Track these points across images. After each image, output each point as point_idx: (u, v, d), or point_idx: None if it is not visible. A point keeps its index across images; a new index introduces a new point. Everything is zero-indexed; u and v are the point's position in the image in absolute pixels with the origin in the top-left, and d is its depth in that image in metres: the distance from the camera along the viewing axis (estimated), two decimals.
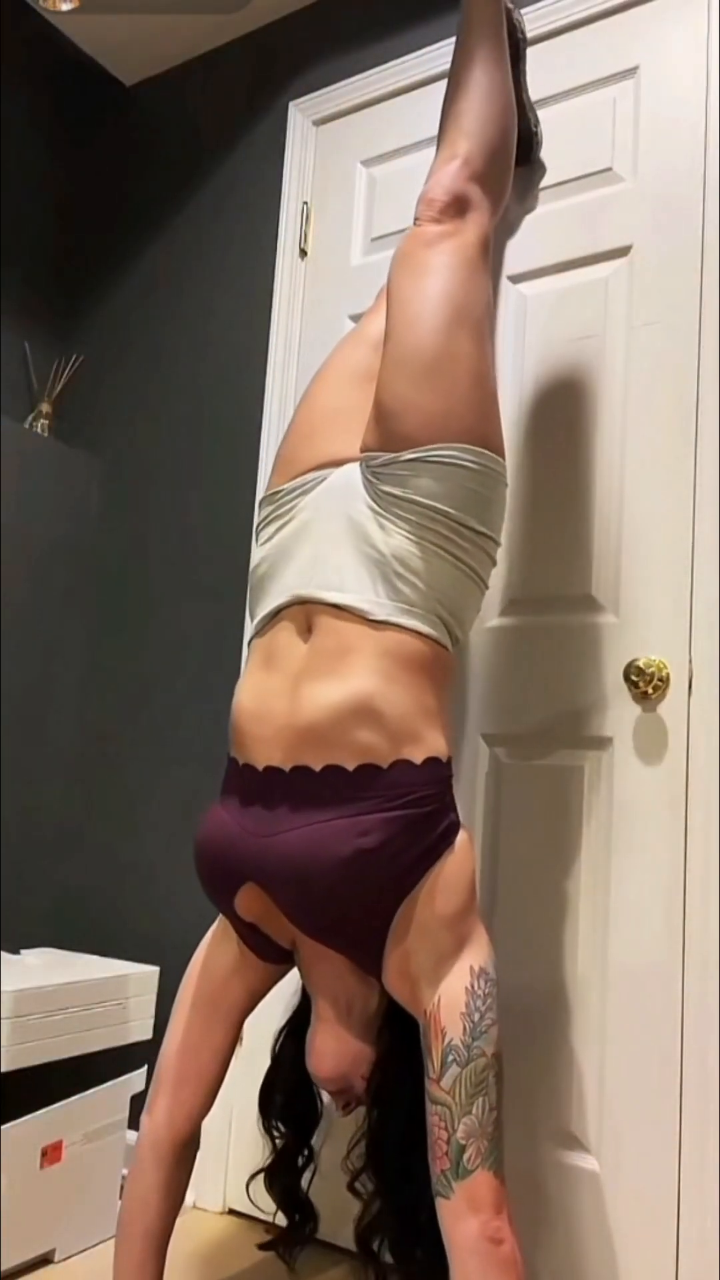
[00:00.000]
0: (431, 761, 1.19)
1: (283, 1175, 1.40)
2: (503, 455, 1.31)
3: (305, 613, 1.28)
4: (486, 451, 1.27)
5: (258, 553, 1.39)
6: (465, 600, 1.29)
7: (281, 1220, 1.46)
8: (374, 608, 1.22)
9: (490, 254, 1.42)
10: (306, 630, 1.27)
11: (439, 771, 1.20)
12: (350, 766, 1.17)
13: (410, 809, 1.16)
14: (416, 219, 1.38)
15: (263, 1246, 1.48)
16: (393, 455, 1.26)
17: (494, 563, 1.33)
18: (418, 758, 1.19)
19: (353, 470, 1.32)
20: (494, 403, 1.32)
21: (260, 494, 1.96)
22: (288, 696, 1.24)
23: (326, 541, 1.29)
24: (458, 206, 1.37)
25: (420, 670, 1.22)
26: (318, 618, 1.26)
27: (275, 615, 1.31)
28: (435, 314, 1.29)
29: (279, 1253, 1.46)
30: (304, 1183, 1.42)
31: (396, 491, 1.25)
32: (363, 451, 1.32)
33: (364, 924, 1.18)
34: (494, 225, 1.44)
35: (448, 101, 1.48)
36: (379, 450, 1.28)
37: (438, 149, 1.45)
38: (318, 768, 1.19)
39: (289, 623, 1.29)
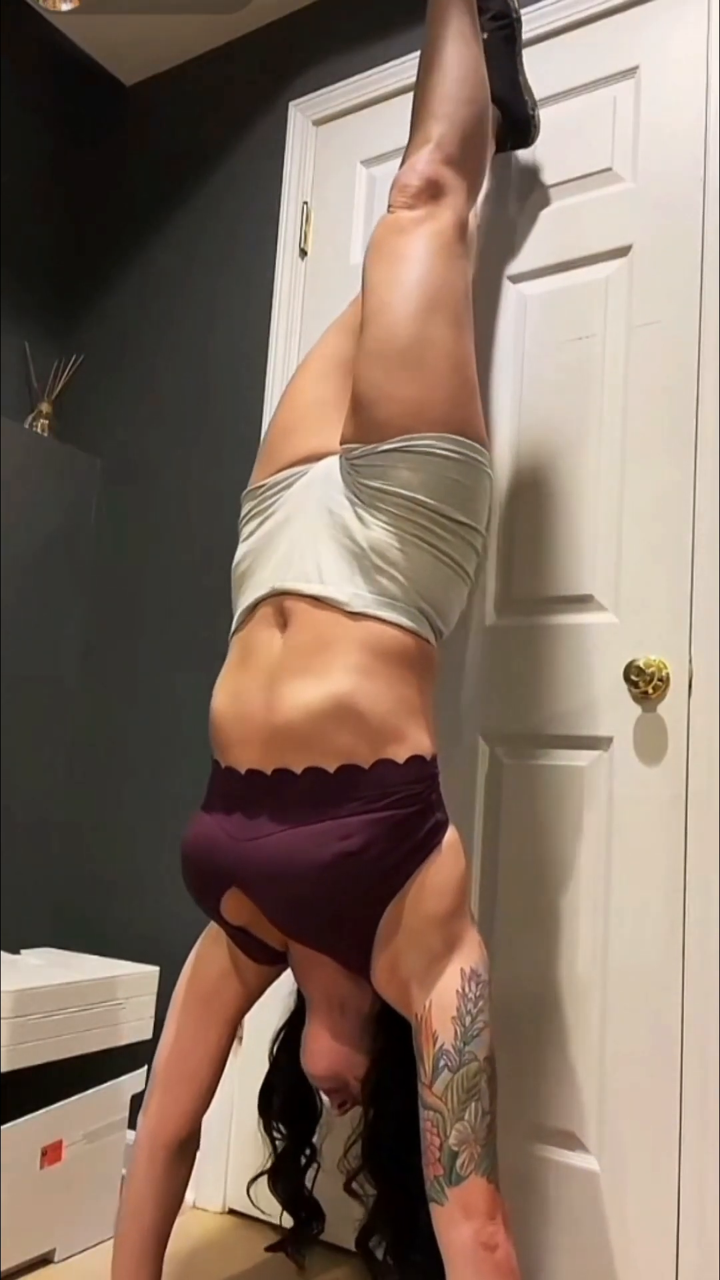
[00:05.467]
0: (415, 760, 1.17)
1: (285, 1176, 1.39)
2: (484, 443, 1.29)
3: (282, 606, 1.26)
4: (466, 439, 1.25)
5: (239, 549, 1.38)
6: (447, 593, 1.26)
7: (282, 1220, 1.46)
8: (352, 599, 1.20)
9: (467, 239, 1.38)
10: (283, 624, 1.25)
11: (423, 770, 1.18)
12: (331, 768, 1.16)
13: (393, 810, 1.14)
14: (390, 205, 1.36)
15: (271, 1248, 1.47)
16: (370, 446, 1.24)
17: (479, 554, 1.31)
18: (400, 756, 1.17)
19: (332, 464, 1.30)
20: (473, 390, 1.29)
21: None
22: (265, 696, 1.22)
23: (305, 535, 1.27)
24: (431, 191, 1.34)
25: (401, 664, 1.20)
26: (295, 610, 1.24)
27: (253, 609, 1.29)
28: (409, 301, 1.27)
29: (287, 1253, 1.45)
30: (308, 1181, 1.41)
31: (374, 483, 1.23)
32: (341, 444, 1.29)
33: (349, 927, 1.16)
34: (470, 209, 1.41)
35: (419, 85, 1.44)
36: (357, 441, 1.26)
37: (410, 134, 1.43)
38: (298, 770, 1.17)
39: (266, 617, 1.27)
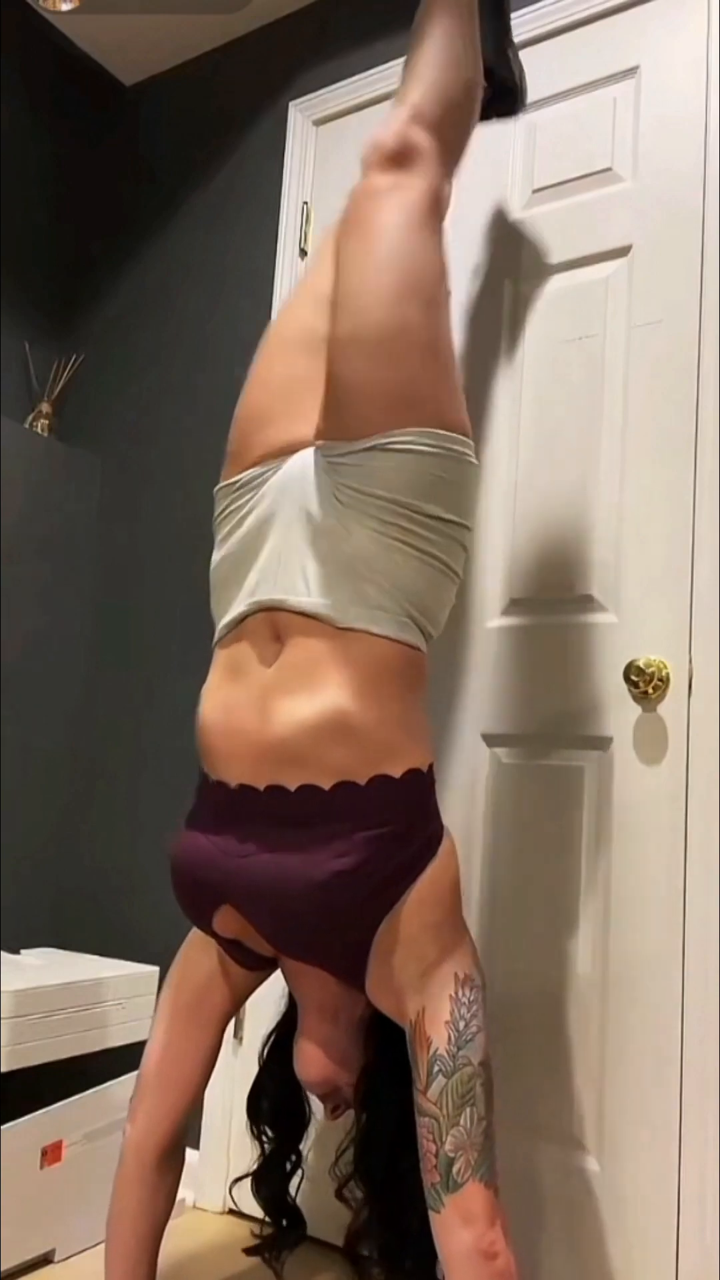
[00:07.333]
0: (411, 774, 1.15)
1: (269, 1180, 1.37)
2: (467, 433, 1.22)
3: (270, 619, 1.21)
4: (446, 432, 1.18)
5: (216, 553, 1.32)
6: (436, 595, 1.21)
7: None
8: (341, 614, 1.16)
9: (442, 213, 1.31)
10: (273, 638, 1.21)
11: (420, 782, 1.16)
12: (326, 785, 1.13)
13: (390, 826, 1.12)
14: (364, 165, 1.29)
15: (249, 1251, 1.44)
16: (348, 446, 1.18)
17: (466, 550, 1.25)
18: (396, 771, 1.14)
19: (307, 460, 1.24)
20: (450, 376, 1.23)
21: None
22: (257, 710, 1.18)
23: (288, 541, 1.22)
24: (405, 154, 1.27)
25: (393, 677, 1.16)
26: (284, 625, 1.19)
27: (239, 622, 1.25)
28: (381, 286, 1.19)
29: (264, 1258, 1.42)
30: (292, 1187, 1.39)
31: (355, 485, 1.17)
32: (317, 439, 1.24)
33: (345, 943, 1.14)
34: (448, 180, 1.34)
35: (408, 54, 1.39)
36: (334, 438, 1.20)
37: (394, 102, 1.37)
38: (293, 787, 1.14)
39: (255, 631, 1.23)
